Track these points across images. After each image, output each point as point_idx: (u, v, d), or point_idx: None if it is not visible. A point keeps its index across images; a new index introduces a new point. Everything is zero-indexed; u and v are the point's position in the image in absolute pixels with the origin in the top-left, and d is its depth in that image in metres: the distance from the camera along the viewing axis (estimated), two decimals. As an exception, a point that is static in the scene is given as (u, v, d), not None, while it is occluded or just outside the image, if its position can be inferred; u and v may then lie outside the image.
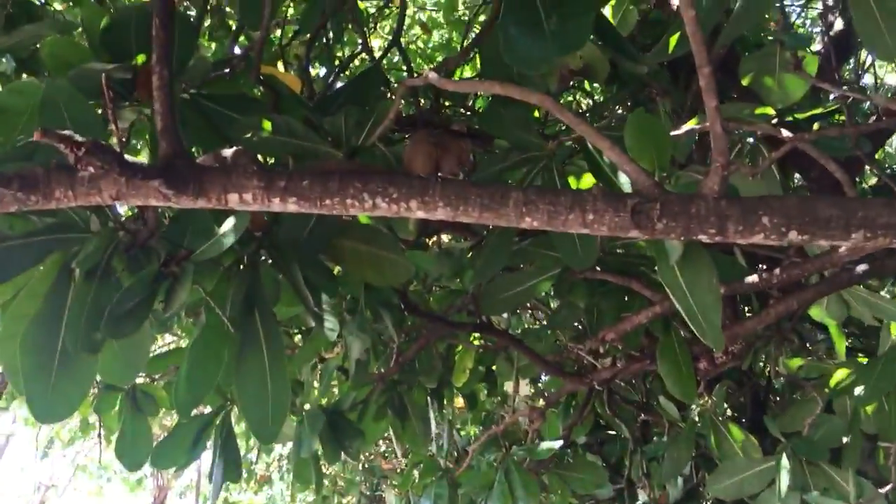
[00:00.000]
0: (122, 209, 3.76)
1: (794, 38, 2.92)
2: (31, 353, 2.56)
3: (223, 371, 3.10)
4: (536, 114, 4.26)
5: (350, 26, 6.74)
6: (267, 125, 3.08)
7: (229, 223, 2.67)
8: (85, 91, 2.77)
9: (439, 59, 8.20)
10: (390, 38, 5.84)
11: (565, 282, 3.96)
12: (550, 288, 4.15)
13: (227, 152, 2.27)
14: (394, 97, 3.01)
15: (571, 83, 4.98)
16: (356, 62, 6.71)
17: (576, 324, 5.05)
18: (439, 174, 2.27)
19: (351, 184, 2.16)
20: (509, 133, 3.29)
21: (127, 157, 2.02)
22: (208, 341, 3.18)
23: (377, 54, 6.35)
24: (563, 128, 4.62)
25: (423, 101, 5.96)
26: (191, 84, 3.12)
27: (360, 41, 6.27)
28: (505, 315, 6.55)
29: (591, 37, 3.14)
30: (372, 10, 7.64)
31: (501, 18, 2.77)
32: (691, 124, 3.62)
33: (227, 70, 3.20)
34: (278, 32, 7.68)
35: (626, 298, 4.10)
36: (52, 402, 2.60)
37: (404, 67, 5.99)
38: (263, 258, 3.48)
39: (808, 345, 5.62)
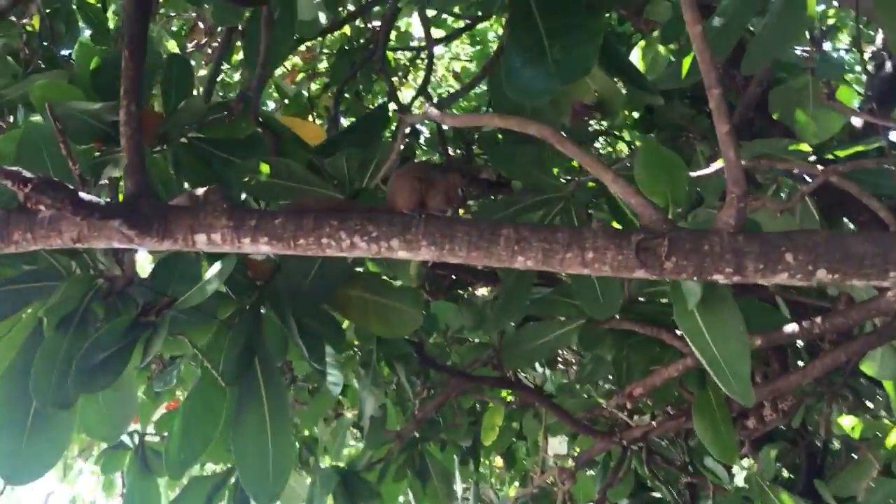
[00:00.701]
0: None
1: (828, 65, 2.68)
2: (2, 409, 2.41)
3: (224, 427, 2.93)
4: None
5: (380, 77, 6.68)
6: (266, 168, 2.94)
7: (215, 269, 2.50)
8: (70, 132, 2.67)
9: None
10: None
11: (590, 333, 3.70)
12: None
13: (200, 191, 2.11)
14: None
15: (592, 122, 4.80)
16: (385, 113, 6.60)
17: (609, 377, 4.77)
18: (423, 212, 2.08)
19: (326, 222, 1.98)
20: (523, 173, 3.10)
21: (84, 195, 1.87)
22: (203, 397, 3.00)
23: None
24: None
25: (454, 150, 5.84)
26: (187, 126, 2.99)
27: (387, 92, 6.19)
28: (540, 369, 6.28)
29: (606, 70, 2.96)
30: (404, 62, 7.59)
31: (505, 48, 2.61)
32: (719, 164, 3.40)
33: (225, 112, 3.08)
34: (313, 86, 7.71)
35: (657, 350, 3.82)
36: (24, 463, 2.43)
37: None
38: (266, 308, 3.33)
39: (864, 401, 5.22)
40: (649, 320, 3.69)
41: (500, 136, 4.01)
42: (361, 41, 6.71)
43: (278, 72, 8.05)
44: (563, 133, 2.11)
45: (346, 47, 6.59)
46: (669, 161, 2.25)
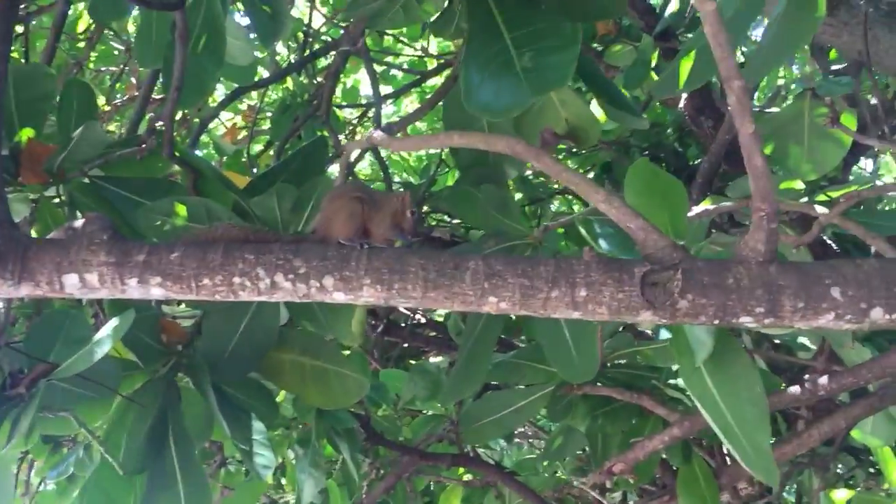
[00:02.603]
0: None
1: (831, 84, 2.34)
2: None
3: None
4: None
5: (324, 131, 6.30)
6: (182, 210, 2.48)
7: (108, 326, 2.01)
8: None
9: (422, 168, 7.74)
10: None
11: (561, 401, 3.25)
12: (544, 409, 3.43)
13: (79, 222, 1.64)
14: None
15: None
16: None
17: (579, 452, 4.28)
18: (366, 241, 1.63)
19: (239, 256, 1.52)
20: (484, 218, 2.67)
21: None
22: (102, 489, 2.48)
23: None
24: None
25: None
26: (87, 162, 2.52)
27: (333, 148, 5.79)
28: (502, 443, 5.77)
29: (581, 88, 2.59)
30: (351, 119, 7.23)
31: (463, 61, 2.21)
32: (706, 204, 3.03)
33: (141, 146, 2.61)
34: (254, 146, 7.28)
35: (635, 420, 3.38)
36: None
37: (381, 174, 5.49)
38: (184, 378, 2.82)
39: (855, 471, 4.81)
40: (627, 384, 3.27)
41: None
42: (306, 97, 6.35)
43: (217, 128, 7.63)
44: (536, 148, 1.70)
45: (289, 102, 6.21)
46: (667, 185, 1.85)
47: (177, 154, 2.62)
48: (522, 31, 2.13)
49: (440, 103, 2.90)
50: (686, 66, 1.92)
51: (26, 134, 2.47)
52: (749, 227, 1.52)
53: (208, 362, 2.60)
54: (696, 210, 2.91)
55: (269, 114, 7.26)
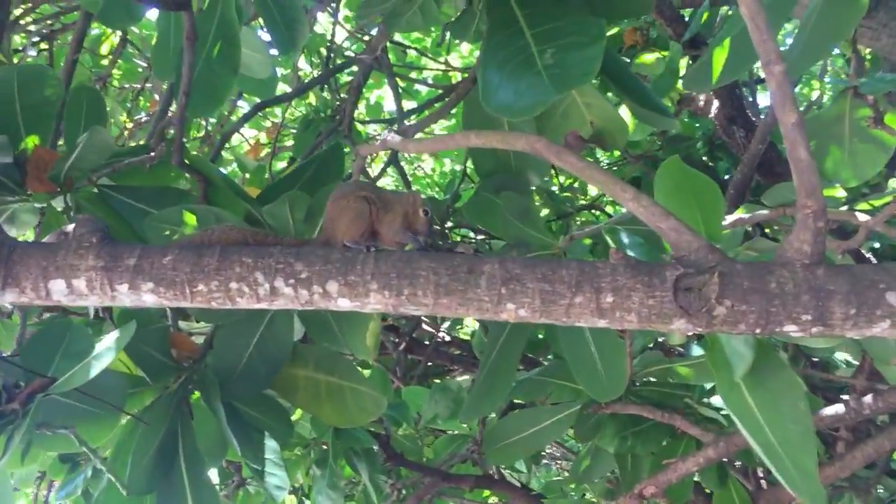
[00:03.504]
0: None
1: (875, 81, 2.19)
2: None
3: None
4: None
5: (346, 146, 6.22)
6: (191, 219, 2.38)
7: (108, 340, 1.91)
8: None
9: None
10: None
11: (588, 420, 3.11)
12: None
13: (71, 226, 1.54)
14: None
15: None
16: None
17: (609, 473, 4.12)
18: (374, 244, 1.51)
19: (237, 259, 1.41)
20: (503, 226, 2.55)
21: None
22: (109, 509, 2.38)
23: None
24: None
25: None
26: (94, 171, 2.44)
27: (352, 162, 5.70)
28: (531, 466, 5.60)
29: (608, 88, 2.46)
30: (375, 134, 7.17)
31: (481, 59, 2.10)
32: (740, 213, 2.89)
33: (150, 154, 2.53)
34: (278, 164, 7.24)
35: (666, 441, 3.22)
36: None
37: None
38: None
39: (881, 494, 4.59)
40: (658, 403, 3.12)
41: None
42: (329, 112, 6.29)
43: (241, 145, 7.60)
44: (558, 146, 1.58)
45: (311, 118, 6.16)
46: (700, 185, 1.71)
47: (187, 162, 2.53)
48: (544, 27, 2.02)
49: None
50: (720, 57, 1.79)
51: (32, 141, 2.40)
52: (793, 228, 1.38)
53: (219, 378, 2.50)
54: (729, 219, 2.77)
55: (293, 130, 7.23)
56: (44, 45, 5.74)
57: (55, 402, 2.17)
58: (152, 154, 2.51)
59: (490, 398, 2.63)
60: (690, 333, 1.73)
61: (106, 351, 1.86)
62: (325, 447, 3.26)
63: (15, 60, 5.40)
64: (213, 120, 6.64)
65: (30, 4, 4.74)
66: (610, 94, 3.55)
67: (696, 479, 3.36)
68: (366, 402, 2.59)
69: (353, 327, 2.37)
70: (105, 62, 6.13)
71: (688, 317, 1.31)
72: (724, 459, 3.11)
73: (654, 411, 3.00)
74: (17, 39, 5.98)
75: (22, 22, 5.12)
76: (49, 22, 5.63)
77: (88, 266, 1.39)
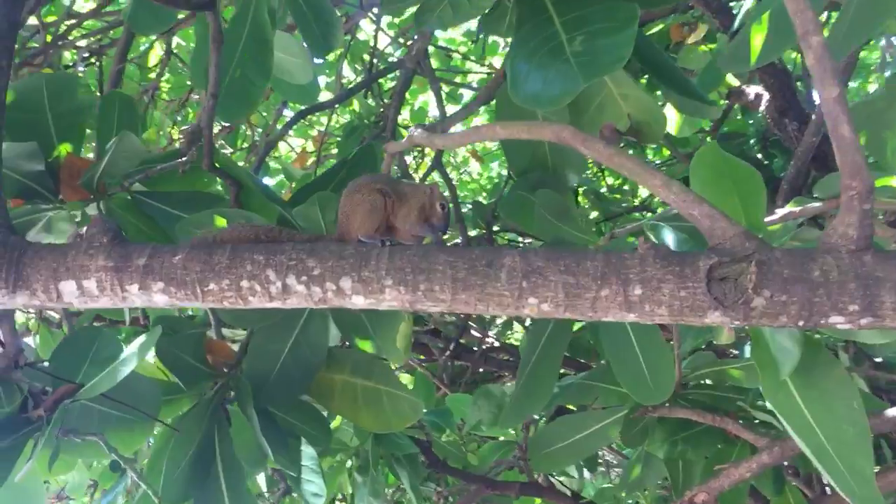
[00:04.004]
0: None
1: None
2: None
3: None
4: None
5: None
6: (221, 222, 2.36)
7: (134, 345, 1.89)
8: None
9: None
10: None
11: (635, 425, 2.99)
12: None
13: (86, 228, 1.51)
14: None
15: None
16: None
17: (663, 480, 3.98)
18: (389, 239, 1.45)
19: (248, 257, 1.36)
20: (539, 225, 2.47)
21: None
22: (145, 518, 2.36)
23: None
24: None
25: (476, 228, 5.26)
26: (127, 178, 2.43)
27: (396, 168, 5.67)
28: (584, 472, 5.47)
29: (643, 76, 2.36)
30: (419, 140, 7.12)
31: (510, 50, 2.03)
32: (791, 206, 2.75)
33: (182, 159, 2.52)
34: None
35: (721, 444, 3.09)
36: None
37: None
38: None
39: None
40: (709, 406, 2.99)
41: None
42: (373, 119, 6.28)
43: (289, 155, 7.64)
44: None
45: (355, 125, 6.15)
46: (739, 171, 1.62)
47: (217, 166, 2.50)
48: (574, 14, 1.94)
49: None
50: (758, 35, 1.68)
51: (65, 149, 2.40)
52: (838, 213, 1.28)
53: (254, 384, 2.47)
54: (779, 213, 2.64)
55: (338, 138, 7.23)
56: (93, 60, 5.85)
57: (88, 409, 2.16)
58: (184, 159, 2.50)
59: (530, 403, 2.55)
60: (730, 327, 1.64)
61: (130, 356, 1.84)
62: (367, 454, 3.21)
63: (67, 76, 5.51)
64: (259, 129, 6.69)
65: (74, 21, 4.81)
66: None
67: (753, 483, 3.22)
68: (403, 406, 2.53)
69: (383, 329, 2.32)
70: (153, 75, 6.21)
71: (723, 309, 1.22)
72: (782, 465, 2.97)
73: (704, 415, 2.88)
74: (67, 55, 6.11)
75: (70, 38, 5.20)
76: (98, 37, 5.72)
77: (99, 266, 1.36)
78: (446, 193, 3.42)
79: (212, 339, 2.67)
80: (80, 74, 5.84)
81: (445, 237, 1.53)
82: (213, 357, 2.62)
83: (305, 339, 2.48)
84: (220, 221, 2.38)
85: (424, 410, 3.67)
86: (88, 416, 2.16)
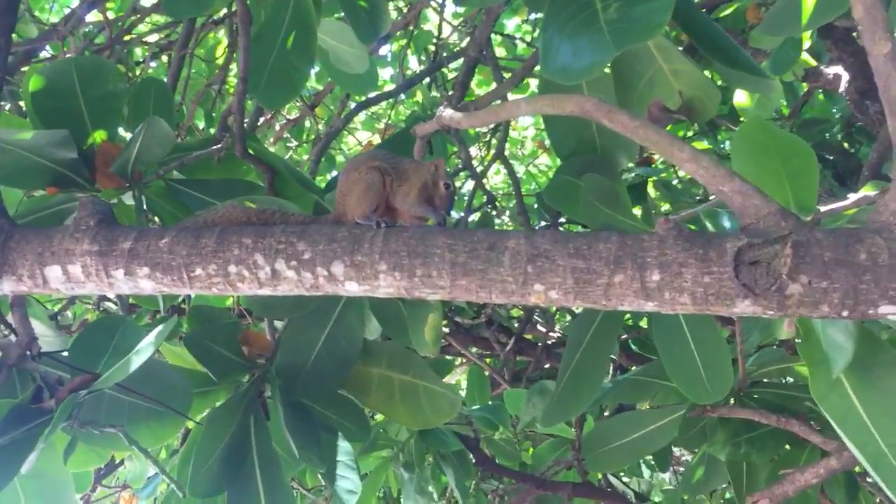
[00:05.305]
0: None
1: None
2: None
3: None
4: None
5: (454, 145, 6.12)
6: (253, 210, 2.29)
7: (152, 334, 1.83)
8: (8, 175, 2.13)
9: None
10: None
11: (694, 425, 2.81)
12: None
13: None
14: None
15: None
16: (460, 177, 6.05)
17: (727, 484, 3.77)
18: (388, 221, 1.33)
19: (236, 240, 1.27)
20: (586, 211, 2.32)
21: None
22: (180, 509, 2.32)
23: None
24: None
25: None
26: (162, 166, 2.39)
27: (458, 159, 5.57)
28: (647, 470, 5.26)
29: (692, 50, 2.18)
30: (485, 129, 7.01)
31: (543, 23, 1.89)
32: (866, 191, 2.53)
33: (217, 146, 2.47)
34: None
35: (787, 447, 2.88)
36: None
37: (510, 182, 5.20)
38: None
39: None
40: (774, 406, 2.78)
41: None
42: (435, 109, 6.18)
43: (355, 148, 7.62)
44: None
45: (419, 115, 6.07)
46: (788, 146, 1.45)
47: (251, 152, 2.44)
48: (611, -19, 1.79)
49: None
50: (810, -9, 1.51)
51: (100, 136, 2.38)
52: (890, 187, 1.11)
53: (288, 377, 2.40)
54: (852, 198, 2.42)
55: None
56: (163, 56, 5.93)
57: (116, 401, 2.13)
58: (218, 146, 2.45)
59: (575, 401, 2.40)
60: (787, 322, 1.48)
61: (146, 346, 1.78)
62: (411, 451, 3.12)
63: (137, 72, 5.60)
64: (322, 122, 6.68)
65: (138, 16, 4.86)
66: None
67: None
68: (441, 402, 2.43)
69: (412, 321, 2.21)
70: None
71: (753, 297, 1.07)
72: (854, 470, 2.75)
73: (767, 415, 2.68)
74: (138, 52, 6.22)
75: (137, 33, 5.28)
76: (166, 32, 5.80)
77: (84, 251, 1.30)
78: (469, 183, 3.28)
79: (248, 330, 2.61)
80: (150, 70, 5.94)
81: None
82: (250, 348, 2.56)
83: (340, 331, 2.40)
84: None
85: (476, 406, 3.56)
86: (118, 408, 2.13)
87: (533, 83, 6.79)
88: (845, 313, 1.07)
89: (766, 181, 1.40)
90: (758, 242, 1.08)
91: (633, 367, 4.28)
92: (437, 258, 1.18)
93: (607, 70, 2.11)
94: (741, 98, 4.28)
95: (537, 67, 3.29)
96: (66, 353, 1.91)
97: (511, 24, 7.24)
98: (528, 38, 6.90)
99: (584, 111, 1.38)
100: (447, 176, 1.45)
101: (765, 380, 2.96)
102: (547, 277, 1.15)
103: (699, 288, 1.09)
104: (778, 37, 4.14)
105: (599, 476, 4.09)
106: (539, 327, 5.31)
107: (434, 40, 6.34)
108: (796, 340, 2.93)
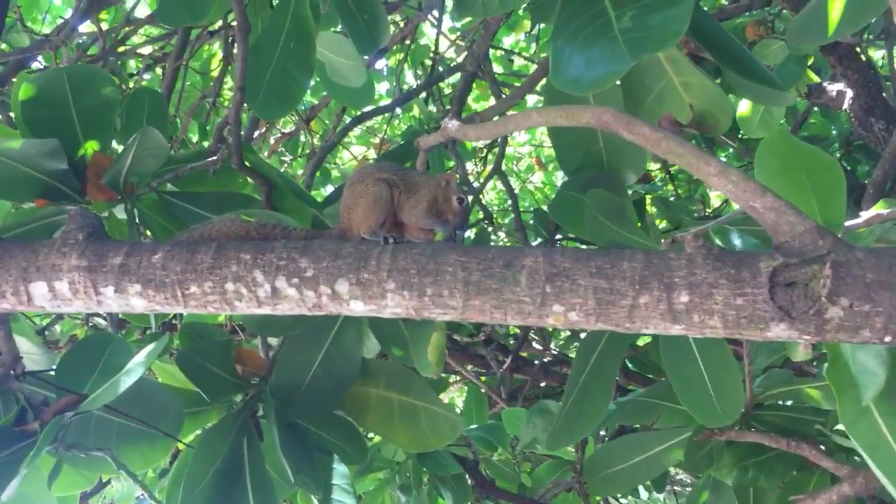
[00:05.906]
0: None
1: None
2: None
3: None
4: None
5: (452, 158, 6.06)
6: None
7: (141, 354, 1.75)
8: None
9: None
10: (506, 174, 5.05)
11: (700, 448, 2.73)
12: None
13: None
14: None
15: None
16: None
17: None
18: (395, 236, 1.25)
19: (234, 255, 1.20)
20: (591, 227, 2.25)
21: None
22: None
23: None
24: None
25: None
26: (155, 178, 2.31)
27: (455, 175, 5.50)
28: (644, 493, 5.17)
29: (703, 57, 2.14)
30: (482, 144, 6.96)
31: (553, 33, 1.83)
32: (878, 208, 2.47)
33: (213, 158, 2.39)
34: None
35: (796, 472, 2.80)
36: None
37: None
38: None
39: None
40: (784, 430, 2.71)
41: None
42: (433, 124, 6.14)
43: (350, 162, 7.55)
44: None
45: (416, 130, 6.01)
46: (813, 161, 1.38)
47: (247, 164, 2.37)
48: (624, -11, 1.72)
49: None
50: (837, 1, 1.44)
51: (91, 146, 2.30)
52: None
53: (283, 397, 2.32)
54: (864, 215, 2.36)
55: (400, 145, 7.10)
56: (157, 67, 5.87)
57: (105, 422, 2.05)
58: (213, 158, 2.37)
59: (581, 423, 2.33)
60: (803, 344, 1.41)
61: (136, 366, 1.69)
62: (408, 473, 3.03)
63: (131, 84, 5.53)
64: (318, 135, 6.61)
65: (131, 27, 4.79)
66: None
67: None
68: (441, 424, 2.35)
69: (415, 339, 2.13)
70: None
71: (790, 321, 1.00)
72: (867, 497, 2.67)
73: (777, 439, 2.60)
74: (132, 64, 6.15)
75: (130, 45, 5.21)
76: (160, 44, 5.73)
77: (71, 266, 1.22)
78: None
79: (242, 348, 2.53)
80: (144, 82, 5.86)
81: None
82: (244, 367, 2.48)
83: (338, 349, 2.33)
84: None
85: (474, 426, 3.47)
86: (106, 429, 2.05)
87: (530, 99, 6.74)
88: (888, 339, 1.00)
89: (791, 197, 1.33)
90: (794, 262, 1.01)
91: (631, 386, 4.21)
92: (449, 276, 1.11)
93: (616, 82, 2.03)
94: (741, 109, 4.23)
95: (542, 82, 3.24)
96: (52, 372, 1.83)
97: (508, 41, 7.20)
98: (525, 53, 6.87)
99: (602, 122, 1.31)
100: (460, 190, 1.37)
101: (772, 402, 2.89)
102: (567, 298, 1.07)
103: (731, 311, 1.02)
104: (781, 53, 4.12)
105: (598, 499, 4.00)
106: (535, 345, 5.23)
107: (431, 55, 6.29)
108: (812, 364, 2.86)
